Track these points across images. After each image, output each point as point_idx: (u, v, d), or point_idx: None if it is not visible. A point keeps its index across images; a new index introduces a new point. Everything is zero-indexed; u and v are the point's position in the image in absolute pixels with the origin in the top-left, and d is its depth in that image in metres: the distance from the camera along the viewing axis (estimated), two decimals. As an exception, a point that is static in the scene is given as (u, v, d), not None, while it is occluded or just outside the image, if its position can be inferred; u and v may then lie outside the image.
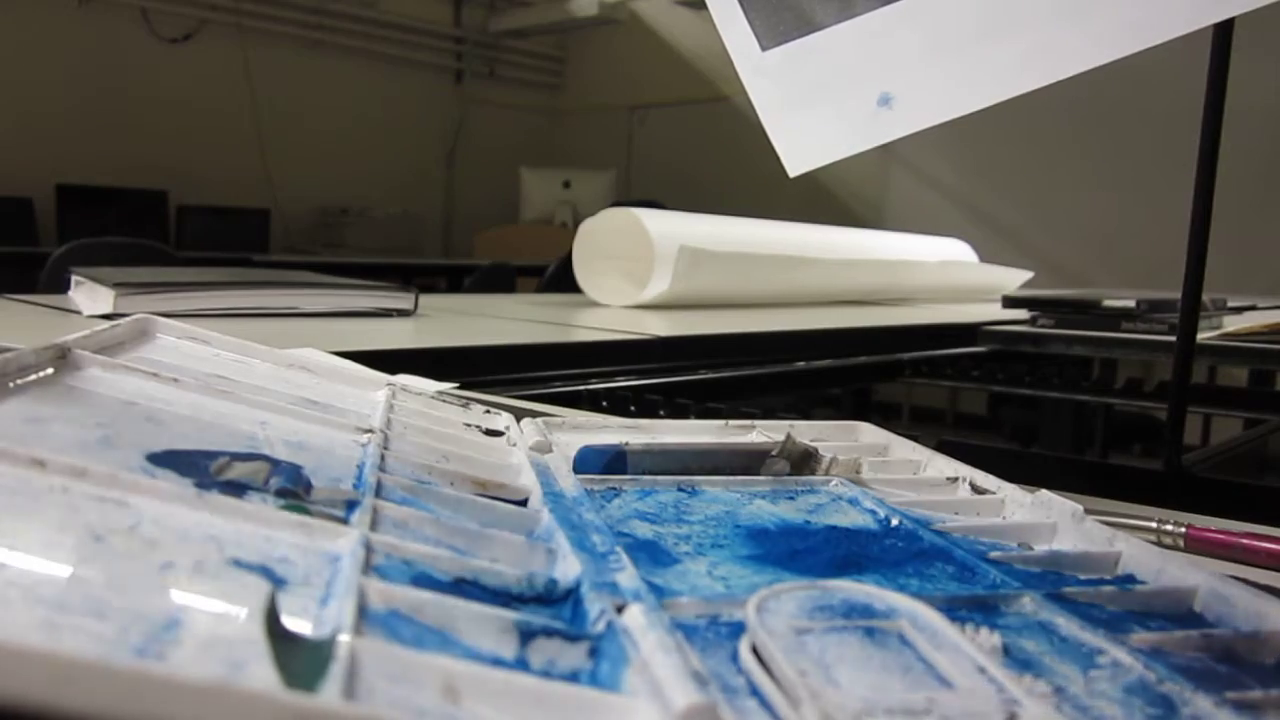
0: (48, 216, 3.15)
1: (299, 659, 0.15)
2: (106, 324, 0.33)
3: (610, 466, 0.32)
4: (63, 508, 0.19)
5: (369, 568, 0.19)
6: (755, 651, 0.19)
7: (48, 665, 0.12)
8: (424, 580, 0.20)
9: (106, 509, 0.19)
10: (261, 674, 0.15)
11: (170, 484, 0.21)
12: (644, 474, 0.32)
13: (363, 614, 0.17)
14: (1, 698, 0.12)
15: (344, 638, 0.16)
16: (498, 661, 0.17)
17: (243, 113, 3.53)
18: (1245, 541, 0.31)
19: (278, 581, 0.18)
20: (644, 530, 0.27)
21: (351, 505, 0.23)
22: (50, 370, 0.27)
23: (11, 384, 0.25)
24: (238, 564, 0.18)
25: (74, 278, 0.88)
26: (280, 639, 0.16)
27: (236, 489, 0.22)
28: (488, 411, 0.38)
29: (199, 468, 0.23)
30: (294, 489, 0.23)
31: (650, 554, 0.25)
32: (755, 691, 0.18)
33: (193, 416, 0.27)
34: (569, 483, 0.29)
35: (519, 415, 0.37)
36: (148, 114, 3.40)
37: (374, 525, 0.22)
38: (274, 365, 0.36)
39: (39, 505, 0.19)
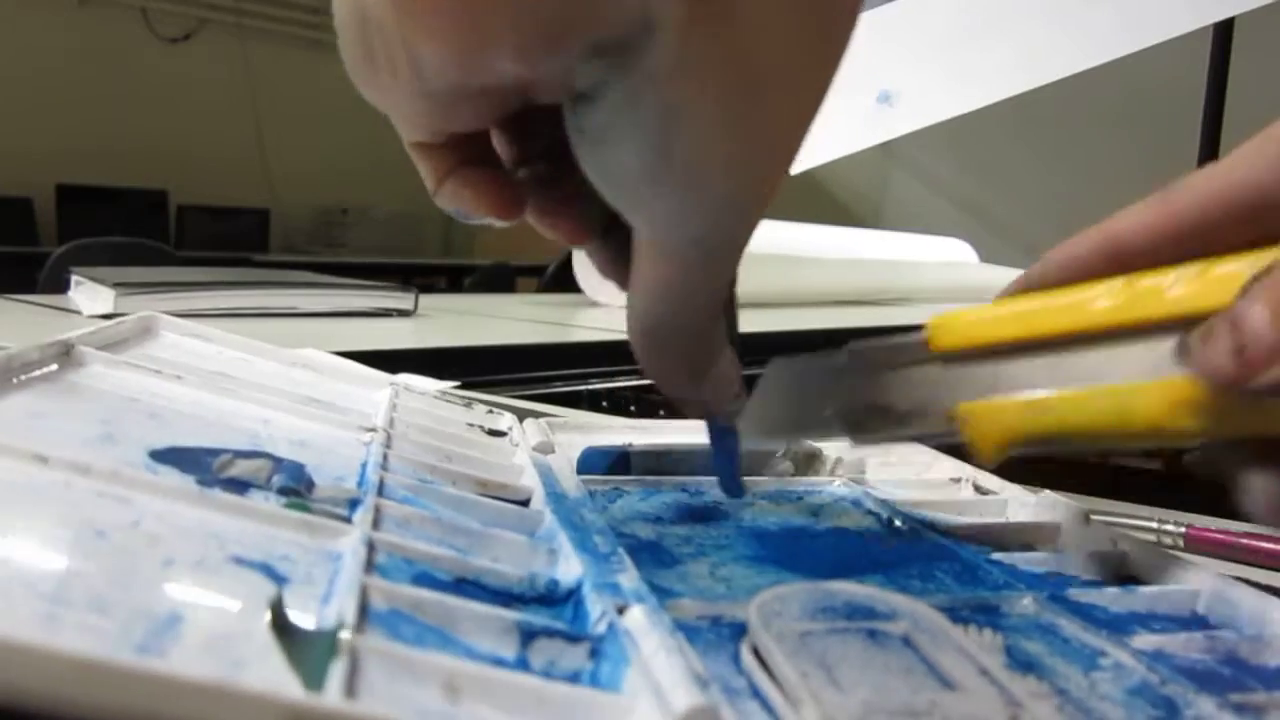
0: (48, 216, 3.15)
1: (304, 656, 0.15)
2: (109, 322, 0.33)
3: (613, 468, 0.32)
4: (65, 503, 0.19)
5: (371, 566, 0.19)
6: (757, 653, 0.19)
7: (50, 661, 0.12)
8: (425, 579, 0.20)
9: (108, 505, 0.19)
10: (264, 672, 0.15)
11: (172, 481, 0.21)
12: (647, 475, 0.32)
13: (364, 612, 0.17)
14: (3, 693, 0.12)
15: (345, 634, 0.16)
16: (498, 661, 0.17)
17: (243, 113, 3.53)
18: (1245, 541, 0.31)
19: (279, 579, 0.18)
20: (646, 531, 0.27)
21: (354, 503, 0.23)
22: (54, 366, 0.27)
23: (15, 379, 0.25)
24: (239, 561, 0.18)
25: (74, 278, 0.88)
26: (287, 635, 0.16)
27: (239, 486, 0.22)
28: (490, 412, 0.37)
29: (201, 465, 0.23)
30: (296, 487, 0.23)
31: (652, 555, 0.25)
32: (757, 693, 0.18)
33: (195, 414, 0.27)
34: (571, 484, 0.29)
35: (521, 416, 0.37)
36: (148, 114, 3.40)
37: (376, 524, 0.22)
38: (277, 363, 0.36)
39: (41, 500, 0.18)
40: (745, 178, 0.20)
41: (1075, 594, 0.24)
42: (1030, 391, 0.24)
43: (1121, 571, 0.26)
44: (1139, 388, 0.22)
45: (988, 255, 1.77)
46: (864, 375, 0.27)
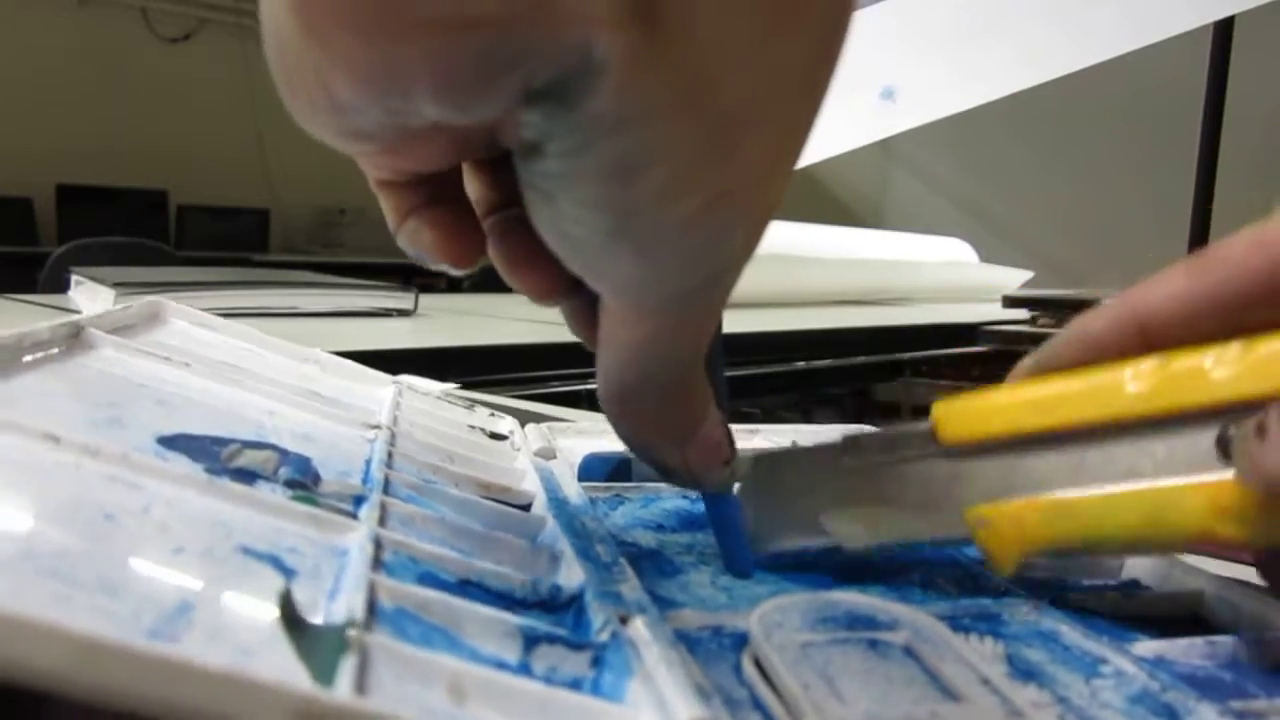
0: (48, 216, 3.15)
1: (313, 650, 0.15)
2: (117, 305, 0.32)
3: (614, 474, 0.32)
4: (76, 484, 0.18)
5: (378, 563, 0.19)
6: (758, 664, 0.19)
7: (65, 642, 0.12)
8: (429, 579, 0.20)
9: (118, 489, 0.19)
10: (273, 663, 0.15)
11: (181, 468, 0.21)
12: (647, 481, 0.32)
13: (371, 610, 0.17)
14: (16, 672, 0.12)
15: (354, 631, 0.16)
16: (502, 665, 0.17)
17: (243, 113, 3.52)
18: (1246, 544, 0.31)
19: (287, 572, 0.18)
20: (647, 539, 0.27)
21: (359, 500, 0.23)
22: (63, 348, 0.27)
23: (25, 358, 0.25)
24: (247, 552, 0.18)
25: (74, 278, 0.88)
26: (297, 629, 0.16)
27: (246, 476, 0.22)
28: (492, 414, 0.37)
29: (209, 453, 0.23)
30: (303, 480, 0.23)
31: (654, 563, 0.25)
32: (759, 704, 0.18)
33: (202, 402, 0.27)
34: (573, 490, 0.29)
35: (522, 418, 0.37)
36: (148, 114, 3.40)
37: (382, 521, 0.22)
38: (281, 356, 0.36)
39: (52, 480, 0.18)
40: (717, 231, 0.17)
41: (1076, 599, 0.24)
42: (1051, 491, 0.21)
43: (1122, 575, 0.26)
44: (1176, 490, 0.20)
45: (988, 255, 1.78)
46: (861, 474, 0.24)
